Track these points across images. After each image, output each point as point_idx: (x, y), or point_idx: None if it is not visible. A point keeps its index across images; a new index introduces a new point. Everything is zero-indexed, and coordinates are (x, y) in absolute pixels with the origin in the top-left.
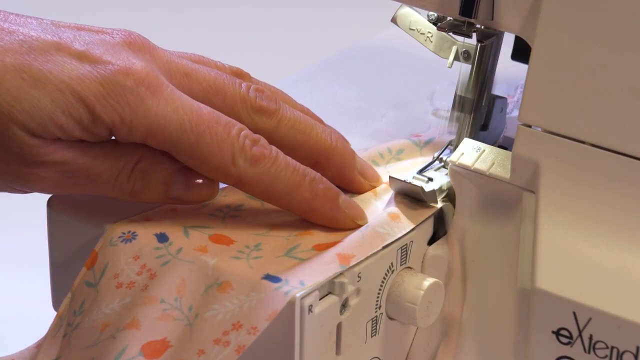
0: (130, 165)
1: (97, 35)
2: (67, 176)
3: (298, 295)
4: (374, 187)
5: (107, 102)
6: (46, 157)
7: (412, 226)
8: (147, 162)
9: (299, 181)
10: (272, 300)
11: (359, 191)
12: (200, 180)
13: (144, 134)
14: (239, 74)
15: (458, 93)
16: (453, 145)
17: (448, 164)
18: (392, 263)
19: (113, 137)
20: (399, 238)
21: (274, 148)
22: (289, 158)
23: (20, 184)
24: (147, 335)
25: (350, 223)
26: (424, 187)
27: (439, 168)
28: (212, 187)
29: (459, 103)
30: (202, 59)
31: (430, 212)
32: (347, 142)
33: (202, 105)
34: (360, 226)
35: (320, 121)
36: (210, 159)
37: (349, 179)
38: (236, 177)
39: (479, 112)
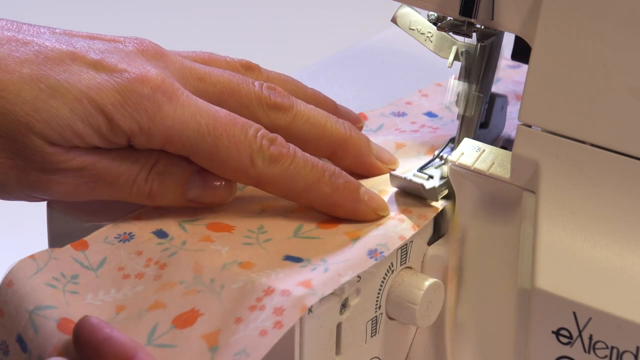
0: (147, 168)
1: (110, 44)
2: (85, 181)
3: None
4: (392, 170)
5: (124, 110)
6: (64, 164)
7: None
8: (163, 164)
9: (318, 177)
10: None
11: (378, 175)
12: (217, 182)
13: (162, 141)
14: (249, 67)
15: (458, 91)
16: (453, 143)
17: (448, 162)
18: (392, 263)
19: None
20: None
21: (291, 146)
22: (307, 154)
23: (39, 191)
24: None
25: (372, 215)
26: (424, 184)
27: (439, 166)
28: (230, 188)
29: (460, 103)
30: (212, 57)
31: (432, 213)
32: (359, 131)
33: (218, 108)
34: (382, 217)
35: (332, 104)
36: (229, 161)
37: (367, 164)
38: (256, 177)
39: (479, 110)
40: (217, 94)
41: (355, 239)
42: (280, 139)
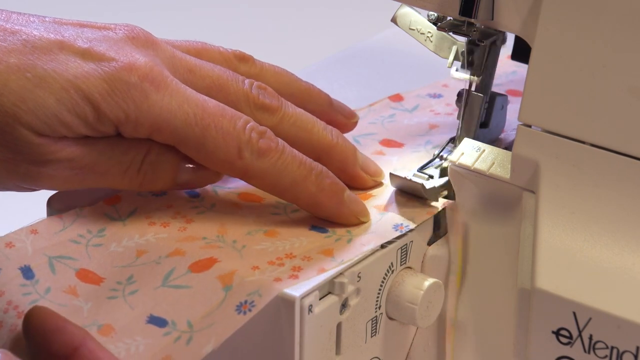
0: (139, 159)
1: (99, 32)
2: (76, 172)
3: (298, 295)
4: (377, 181)
5: (111, 99)
6: (54, 155)
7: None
8: (155, 153)
9: (305, 175)
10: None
11: (362, 186)
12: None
13: (150, 130)
14: (242, 58)
15: (458, 92)
16: (454, 143)
17: (448, 162)
18: (392, 263)
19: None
20: (398, 239)
21: (280, 141)
22: (295, 151)
23: (29, 183)
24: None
25: (353, 219)
26: (424, 184)
27: (439, 166)
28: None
29: (461, 102)
30: (205, 46)
31: (431, 212)
32: (347, 139)
33: (207, 98)
34: (362, 222)
35: (326, 98)
36: (216, 152)
37: (351, 174)
38: (242, 170)
39: (478, 110)
40: (206, 88)
41: (383, 212)
42: (269, 132)
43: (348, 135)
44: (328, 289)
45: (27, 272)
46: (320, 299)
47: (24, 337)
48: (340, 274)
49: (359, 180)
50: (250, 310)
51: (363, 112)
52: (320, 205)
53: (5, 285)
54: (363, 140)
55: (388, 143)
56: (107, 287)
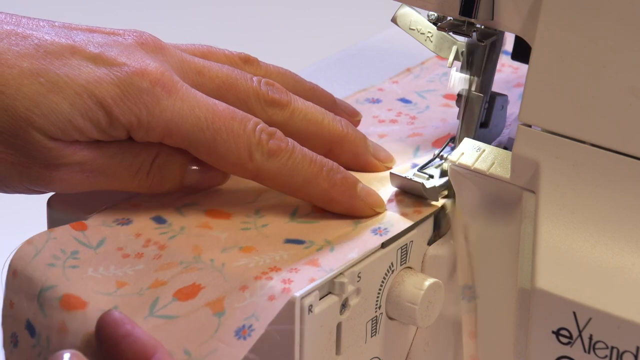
0: (149, 161)
1: (109, 37)
2: (87, 175)
3: (298, 295)
4: (389, 167)
5: (124, 104)
6: (65, 159)
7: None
8: (164, 156)
9: (316, 172)
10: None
11: (374, 172)
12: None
13: (161, 134)
14: (247, 60)
15: (458, 92)
16: (454, 142)
17: (448, 160)
18: (392, 263)
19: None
20: (398, 237)
21: (290, 140)
22: (305, 149)
23: (40, 186)
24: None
25: (369, 211)
26: (424, 183)
27: (439, 165)
28: (226, 173)
29: (461, 102)
30: (211, 49)
31: (429, 211)
32: (356, 128)
33: (217, 101)
34: (378, 213)
35: (331, 98)
36: (228, 155)
37: (363, 162)
38: (254, 171)
39: (478, 110)
40: (215, 89)
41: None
42: (279, 133)
43: (412, 90)
44: (328, 289)
45: (159, 220)
46: (320, 299)
47: (96, 343)
48: (340, 274)
49: (371, 167)
50: (385, 234)
51: (416, 70)
52: (334, 200)
53: (141, 230)
54: (427, 95)
55: (452, 97)
56: (239, 220)
